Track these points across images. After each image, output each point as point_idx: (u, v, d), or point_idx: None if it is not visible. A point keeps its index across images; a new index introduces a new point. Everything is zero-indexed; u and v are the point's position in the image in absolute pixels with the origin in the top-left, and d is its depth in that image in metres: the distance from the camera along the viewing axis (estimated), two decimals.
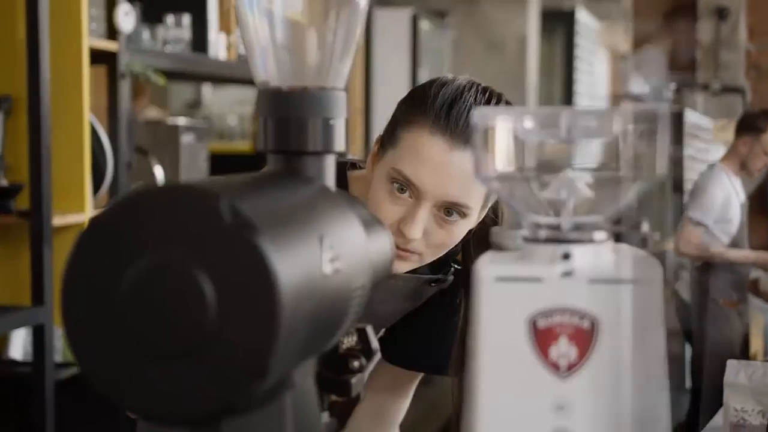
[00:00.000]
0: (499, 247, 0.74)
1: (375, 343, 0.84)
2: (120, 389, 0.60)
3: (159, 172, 3.04)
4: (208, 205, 0.58)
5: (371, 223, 0.81)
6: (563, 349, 0.65)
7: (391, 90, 4.62)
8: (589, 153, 0.74)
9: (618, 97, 5.03)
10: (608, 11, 8.27)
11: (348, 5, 0.78)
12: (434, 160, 1.23)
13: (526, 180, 0.69)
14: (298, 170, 0.75)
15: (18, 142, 2.46)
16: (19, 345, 2.84)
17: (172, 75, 3.46)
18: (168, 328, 0.58)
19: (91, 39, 2.62)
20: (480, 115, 0.68)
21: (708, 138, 5.75)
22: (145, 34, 3.00)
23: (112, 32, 2.75)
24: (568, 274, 0.65)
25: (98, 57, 2.72)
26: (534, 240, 0.68)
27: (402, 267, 1.29)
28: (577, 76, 7.50)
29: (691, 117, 5.60)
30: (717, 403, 1.98)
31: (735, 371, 1.89)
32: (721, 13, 6.16)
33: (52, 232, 2.42)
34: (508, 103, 1.30)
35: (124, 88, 2.79)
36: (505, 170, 0.69)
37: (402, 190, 1.25)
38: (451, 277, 1.43)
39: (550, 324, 0.65)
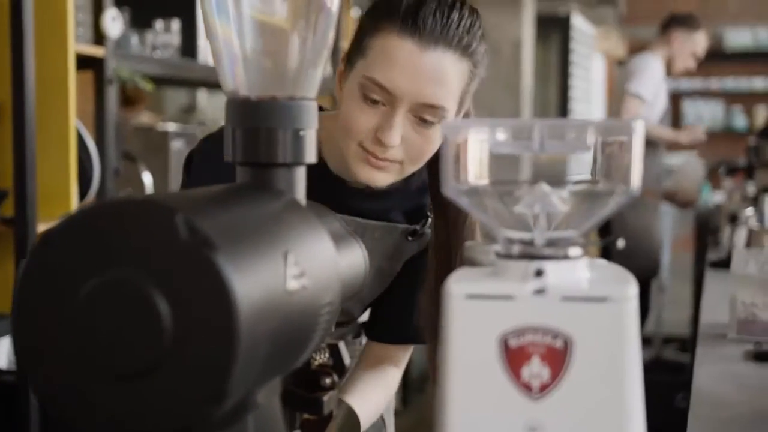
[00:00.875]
0: (473, 263, 0.72)
1: (347, 359, 0.82)
2: (72, 410, 0.58)
3: (147, 179, 3.02)
4: (164, 221, 0.56)
5: (343, 236, 0.79)
6: (535, 370, 0.63)
7: None
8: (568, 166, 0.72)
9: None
10: (604, 16, 8.26)
11: (319, 10, 0.76)
12: (405, 62, 1.22)
13: (498, 194, 0.67)
14: (268, 183, 0.73)
15: (3, 148, 2.44)
16: (4, 353, 2.81)
17: (161, 80, 3.44)
18: (121, 348, 0.56)
19: (77, 44, 2.59)
20: (450, 127, 0.66)
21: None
22: (134, 40, 2.98)
23: (99, 38, 2.72)
24: (540, 291, 0.63)
25: (85, 62, 2.70)
26: (507, 256, 0.66)
27: (382, 178, 1.27)
28: (573, 82, 7.48)
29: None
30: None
31: (743, 261, 1.72)
32: None
33: (37, 239, 2.39)
34: (473, 9, 1.29)
35: (111, 93, 2.76)
36: (477, 183, 0.67)
37: (375, 102, 1.24)
38: (428, 230, 1.41)
39: (521, 343, 0.63)
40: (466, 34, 1.24)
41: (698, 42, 4.65)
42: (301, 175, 0.75)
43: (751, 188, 3.81)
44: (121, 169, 2.87)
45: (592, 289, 0.63)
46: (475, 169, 0.67)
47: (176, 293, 0.56)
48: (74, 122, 2.55)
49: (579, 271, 0.65)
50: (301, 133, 0.74)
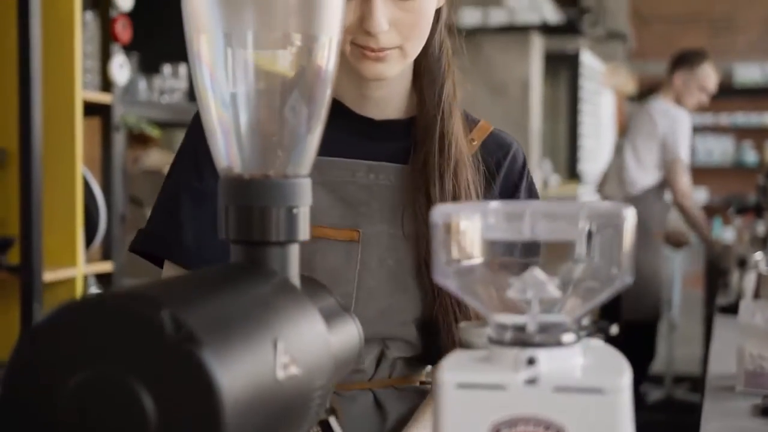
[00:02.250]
0: (467, 345, 0.71)
1: None
2: None
3: None
4: (149, 316, 0.56)
5: (336, 313, 0.78)
6: None
7: None
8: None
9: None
10: (613, 52, 8.27)
11: (316, 74, 0.75)
12: None
13: (489, 278, 0.66)
14: (261, 262, 0.73)
15: (9, 194, 2.44)
16: None
17: (169, 125, 3.45)
18: None
19: (85, 91, 2.60)
20: (440, 212, 0.65)
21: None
22: (142, 84, 2.99)
23: (106, 84, 2.73)
24: (532, 381, 0.62)
25: (93, 109, 2.71)
26: (499, 342, 0.65)
27: (387, 69, 1.22)
28: (582, 118, 7.48)
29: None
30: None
31: (750, 312, 1.68)
32: None
33: (43, 287, 2.39)
34: None
35: (118, 140, 2.77)
36: (467, 266, 0.66)
37: None
38: None
39: None
40: None
41: (703, 76, 4.55)
42: (294, 253, 0.74)
43: (761, 228, 3.79)
44: (128, 215, 2.87)
45: (585, 379, 0.62)
46: (466, 252, 0.66)
47: (162, 390, 0.55)
48: (81, 169, 2.56)
49: (572, 358, 0.64)
50: (295, 210, 0.73)
